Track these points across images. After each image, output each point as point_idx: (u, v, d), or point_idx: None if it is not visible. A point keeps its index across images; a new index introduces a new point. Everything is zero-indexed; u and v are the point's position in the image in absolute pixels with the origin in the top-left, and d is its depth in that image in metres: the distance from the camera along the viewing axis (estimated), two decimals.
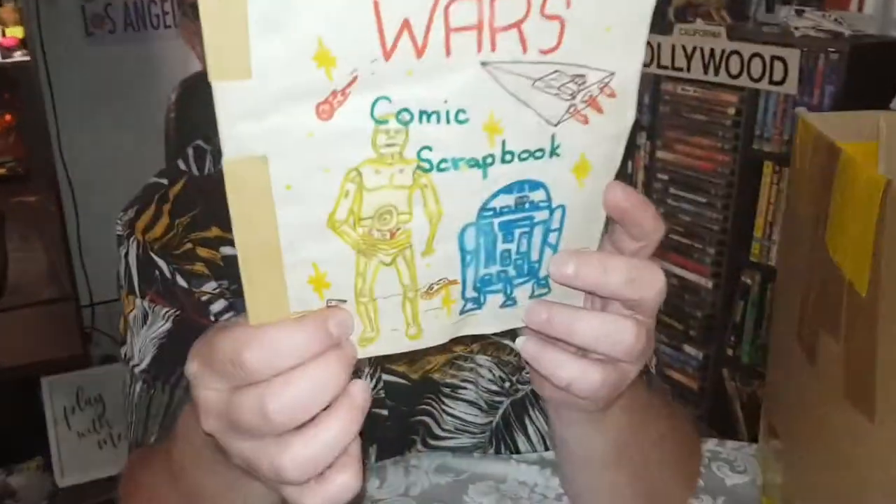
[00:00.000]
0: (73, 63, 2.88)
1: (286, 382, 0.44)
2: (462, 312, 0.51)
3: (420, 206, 0.46)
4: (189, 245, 0.87)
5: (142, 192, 0.93)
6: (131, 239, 0.88)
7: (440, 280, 0.49)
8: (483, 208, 0.47)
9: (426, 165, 0.44)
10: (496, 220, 0.48)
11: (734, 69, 2.41)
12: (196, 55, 0.79)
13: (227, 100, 0.39)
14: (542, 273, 0.52)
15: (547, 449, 0.93)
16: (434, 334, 0.51)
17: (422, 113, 0.43)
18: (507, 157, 0.46)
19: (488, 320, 0.53)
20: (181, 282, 0.86)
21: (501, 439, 0.96)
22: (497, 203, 0.47)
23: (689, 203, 2.61)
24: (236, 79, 0.39)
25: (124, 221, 0.91)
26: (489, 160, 0.46)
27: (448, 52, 0.42)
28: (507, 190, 0.47)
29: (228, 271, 0.87)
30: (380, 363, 0.94)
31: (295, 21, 0.38)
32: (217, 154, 0.91)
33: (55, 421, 2.46)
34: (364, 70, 0.41)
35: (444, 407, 0.93)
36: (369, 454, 0.95)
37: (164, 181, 0.92)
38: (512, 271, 0.51)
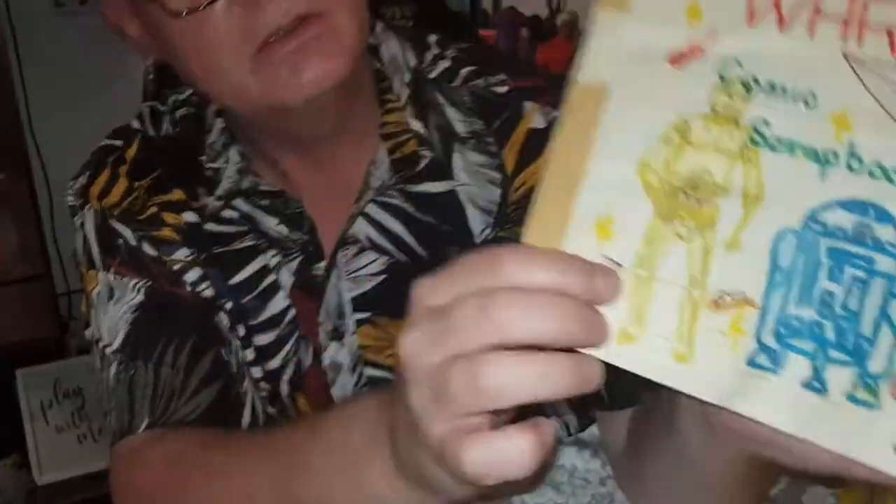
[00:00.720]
0: (42, 35, 2.55)
1: (505, 359, 0.40)
2: (751, 363, 0.42)
3: (739, 182, 0.42)
4: (154, 209, 0.79)
5: (92, 155, 0.84)
6: (87, 208, 0.81)
7: (736, 293, 0.42)
8: (811, 217, 0.41)
9: (758, 139, 0.43)
10: (824, 241, 0.41)
11: None
12: (125, 39, 0.73)
13: (601, 28, 0.46)
14: (873, 366, 0.40)
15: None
16: (706, 371, 0.42)
17: (770, 84, 0.43)
18: (854, 162, 0.41)
19: (779, 401, 0.41)
20: (149, 250, 0.79)
21: None
22: (830, 217, 0.41)
23: None
24: (617, 10, 0.46)
25: (76, 189, 0.82)
26: (831, 158, 0.41)
27: (812, 33, 0.43)
28: (847, 206, 0.41)
29: (197, 238, 0.79)
30: (362, 354, 0.77)
31: None
32: (177, 117, 0.83)
33: (31, 415, 2.17)
34: (724, 29, 0.44)
35: None
36: None
37: (118, 142, 0.84)
38: (830, 332, 0.41)
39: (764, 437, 0.43)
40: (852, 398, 0.40)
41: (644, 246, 0.43)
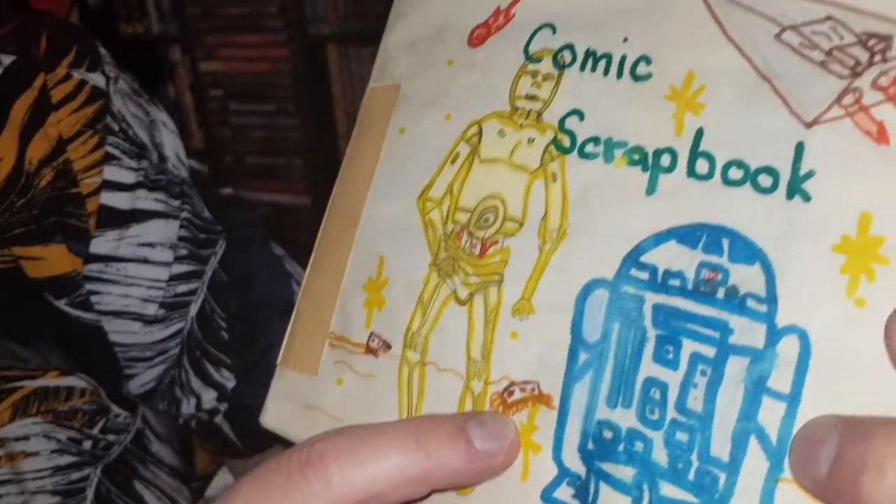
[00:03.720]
0: None
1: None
2: (547, 499, 0.25)
3: (538, 211, 0.27)
4: None
5: None
6: None
7: (526, 384, 0.26)
8: (632, 258, 0.25)
9: (566, 141, 0.27)
10: (650, 297, 0.24)
11: None
12: None
13: (398, 6, 0.33)
14: (735, 498, 0.22)
15: None
16: None
17: (588, 54, 0.27)
18: (701, 161, 0.24)
19: None
20: None
21: None
22: (660, 258, 0.24)
23: (256, 115, 2.04)
24: None
25: None
26: (665, 159, 0.25)
27: None
28: (686, 237, 0.24)
29: None
30: None
31: None
32: None
33: None
34: None
35: None
36: None
37: None
38: (660, 452, 0.23)
39: None
40: None
41: (417, 316, 0.29)
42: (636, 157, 0.25)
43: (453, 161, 0.29)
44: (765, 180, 0.23)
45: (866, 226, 0.21)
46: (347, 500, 0.23)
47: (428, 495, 0.25)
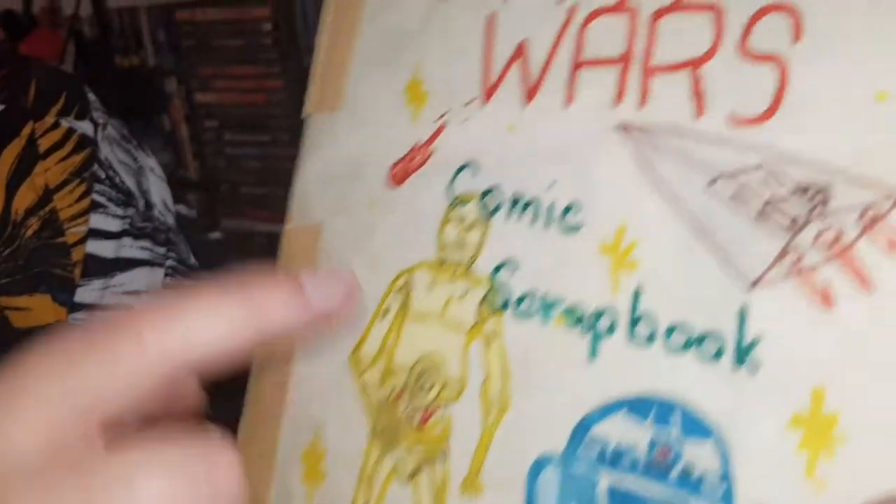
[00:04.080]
0: None
1: None
2: None
3: (478, 373, 0.25)
4: None
5: None
6: None
7: None
8: (580, 431, 0.23)
9: (499, 299, 0.25)
10: (604, 478, 0.22)
11: None
12: None
13: (312, 142, 0.31)
14: None
15: None
16: None
17: (515, 200, 0.25)
18: (642, 325, 0.22)
19: None
20: None
21: None
22: (609, 431, 0.22)
23: (251, 146, 1.83)
24: (330, 111, 0.31)
25: None
26: (604, 321, 0.23)
27: (570, 98, 0.25)
28: (635, 408, 0.22)
29: None
30: None
31: (400, 48, 0.29)
32: None
33: None
34: (456, 115, 0.27)
35: None
36: None
37: None
38: None
39: None
40: None
41: (361, 494, 0.27)
42: (574, 317, 0.23)
43: (384, 315, 0.27)
44: (710, 346, 0.21)
45: (820, 401, 0.20)
46: (162, 355, 0.20)
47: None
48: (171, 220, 0.60)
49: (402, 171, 0.28)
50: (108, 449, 0.19)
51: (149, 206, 0.59)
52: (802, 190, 0.21)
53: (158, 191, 0.60)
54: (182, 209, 0.62)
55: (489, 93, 0.26)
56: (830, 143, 0.20)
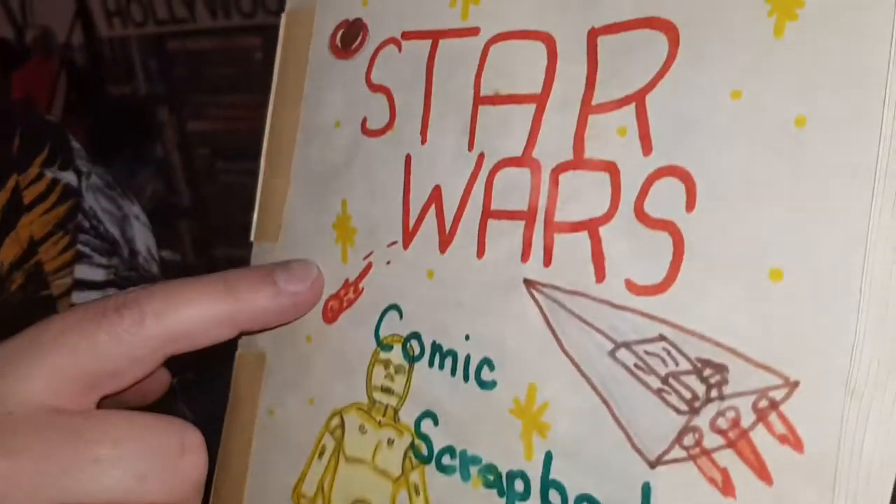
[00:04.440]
0: None
1: None
2: None
3: None
4: None
5: None
6: None
7: None
8: None
9: (423, 450, 0.25)
10: None
11: (246, 6, 1.79)
12: None
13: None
14: None
15: None
16: None
17: (435, 348, 0.25)
18: (553, 492, 0.22)
19: None
20: None
21: None
22: None
23: (243, 173, 1.89)
24: (270, 242, 0.31)
25: None
26: (519, 484, 0.23)
27: (481, 251, 0.25)
28: None
29: None
30: None
31: (330, 181, 0.29)
32: None
33: None
34: (380, 257, 0.27)
35: None
36: None
37: None
38: None
39: None
40: None
41: None
42: (491, 477, 0.23)
43: (321, 455, 0.27)
44: None
45: None
46: (158, 338, 0.24)
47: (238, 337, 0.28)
48: (155, 269, 0.61)
49: (335, 306, 0.28)
50: (99, 414, 0.23)
51: (133, 253, 0.59)
52: (701, 368, 0.20)
53: (143, 238, 0.60)
54: (167, 254, 0.62)
55: (408, 237, 0.26)
56: (724, 323, 0.20)
